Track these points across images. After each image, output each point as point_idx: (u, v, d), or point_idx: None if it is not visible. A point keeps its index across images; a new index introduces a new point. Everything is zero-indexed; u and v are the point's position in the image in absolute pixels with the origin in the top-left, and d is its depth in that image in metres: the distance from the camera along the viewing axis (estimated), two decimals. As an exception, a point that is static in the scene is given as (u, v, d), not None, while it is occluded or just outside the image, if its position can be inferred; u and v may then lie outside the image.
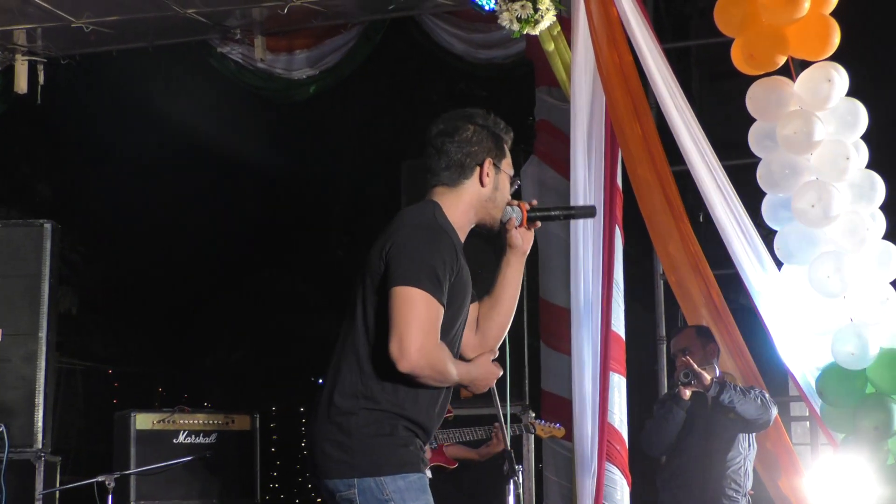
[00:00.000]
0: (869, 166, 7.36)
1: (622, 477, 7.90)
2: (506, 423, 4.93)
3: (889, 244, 7.30)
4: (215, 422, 9.33)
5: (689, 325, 7.74)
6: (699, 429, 7.31)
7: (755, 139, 7.56)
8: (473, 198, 4.47)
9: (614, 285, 7.92)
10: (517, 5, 7.81)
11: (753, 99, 7.48)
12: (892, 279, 7.26)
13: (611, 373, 7.79)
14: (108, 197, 15.41)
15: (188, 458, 9.02)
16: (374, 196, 15.60)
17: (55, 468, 8.90)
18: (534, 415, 8.40)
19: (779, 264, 7.53)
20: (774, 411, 7.22)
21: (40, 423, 8.63)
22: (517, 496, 4.72)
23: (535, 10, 7.81)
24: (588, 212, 5.03)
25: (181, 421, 9.22)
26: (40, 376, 8.67)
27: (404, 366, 4.08)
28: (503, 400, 4.85)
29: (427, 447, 4.78)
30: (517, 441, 8.32)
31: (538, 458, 8.92)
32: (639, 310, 8.91)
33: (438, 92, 14.88)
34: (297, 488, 18.40)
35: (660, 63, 7.65)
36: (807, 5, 7.12)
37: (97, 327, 17.01)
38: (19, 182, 15.67)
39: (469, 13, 9.35)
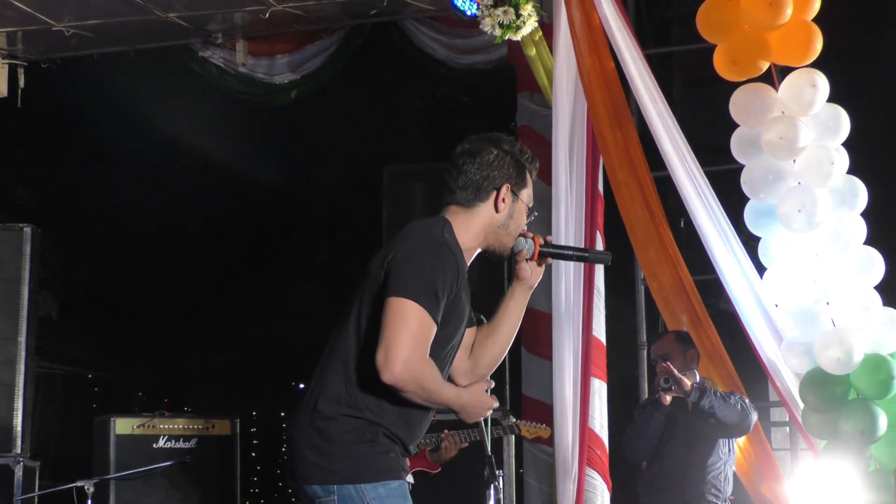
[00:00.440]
0: (850, 172, 7.38)
1: (603, 482, 7.91)
2: (486, 427, 4.92)
3: (871, 249, 7.31)
4: (195, 426, 9.30)
5: (669, 330, 7.76)
6: (679, 434, 7.32)
7: (738, 145, 7.57)
8: (486, 221, 4.43)
9: (595, 291, 7.93)
10: (499, 11, 7.82)
11: (737, 104, 7.49)
12: (874, 284, 7.28)
13: (592, 378, 7.81)
14: (89, 201, 15.37)
15: (168, 463, 9.00)
16: (355, 201, 15.58)
17: (34, 473, 8.88)
18: (514, 420, 8.39)
19: (759, 270, 7.55)
20: (754, 417, 7.23)
21: (19, 428, 8.61)
22: (498, 501, 4.71)
23: (518, 15, 7.82)
24: (603, 258, 4.87)
25: (161, 426, 9.19)
26: (19, 380, 8.65)
27: (387, 377, 4.05)
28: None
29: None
30: (497, 445, 8.31)
31: (519, 462, 8.93)
32: (619, 315, 8.92)
33: (420, 97, 14.88)
34: (278, 493, 18.40)
35: (641, 69, 7.66)
36: (789, 11, 7.14)
37: (77, 331, 16.94)
38: (-1, 186, 15.64)
39: (451, 18, 9.36)
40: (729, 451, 7.37)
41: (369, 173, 11.09)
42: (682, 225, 9.05)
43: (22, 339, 8.69)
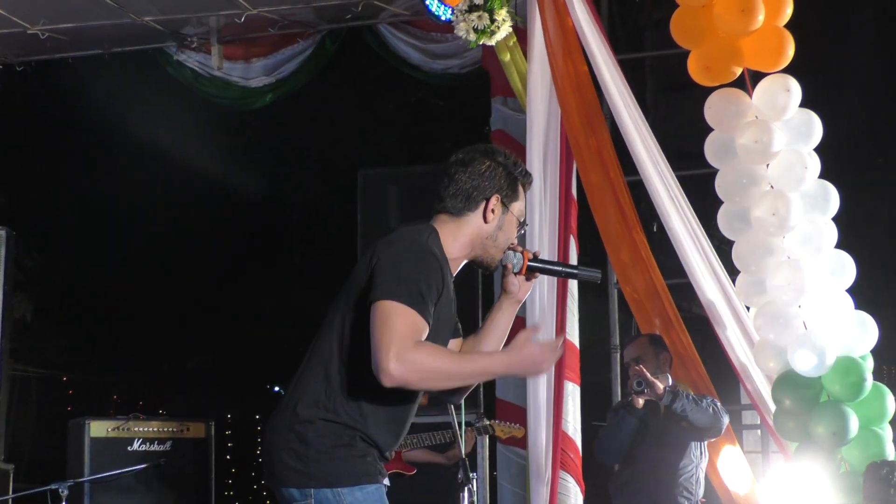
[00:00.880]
0: (821, 176, 7.44)
1: (576, 484, 7.95)
2: (461, 430, 4.94)
3: (843, 253, 7.37)
4: (170, 429, 9.29)
5: (642, 333, 7.79)
6: (652, 437, 7.35)
7: (712, 149, 7.62)
8: (474, 231, 4.40)
9: (568, 294, 7.97)
10: (474, 16, 7.85)
11: (712, 109, 7.54)
12: (846, 287, 7.34)
13: (565, 381, 7.85)
14: (64, 203, 15.34)
15: (142, 466, 8.98)
16: (330, 205, 15.58)
17: (8, 476, 8.87)
18: (487, 420, 8.41)
19: (732, 273, 7.60)
20: (726, 420, 7.27)
21: (-7, 431, 8.60)
22: (472, 503, 4.74)
23: (492, 20, 7.85)
24: (592, 277, 4.72)
25: (136, 428, 9.18)
26: (-7, 383, 8.64)
27: (386, 380, 4.00)
28: (458, 408, 4.86)
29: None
30: (472, 448, 8.34)
31: (493, 465, 8.95)
32: (592, 318, 8.95)
33: (395, 102, 14.91)
34: (253, 496, 18.35)
35: (614, 73, 7.70)
36: (761, 18, 7.19)
37: (52, 334, 16.91)
38: (-27, 189, 15.59)
39: (426, 23, 9.39)
40: (701, 453, 7.40)
41: (344, 177, 11.10)
42: (654, 229, 9.10)
43: (-4, 341, 8.69)
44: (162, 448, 9.20)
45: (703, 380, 7.69)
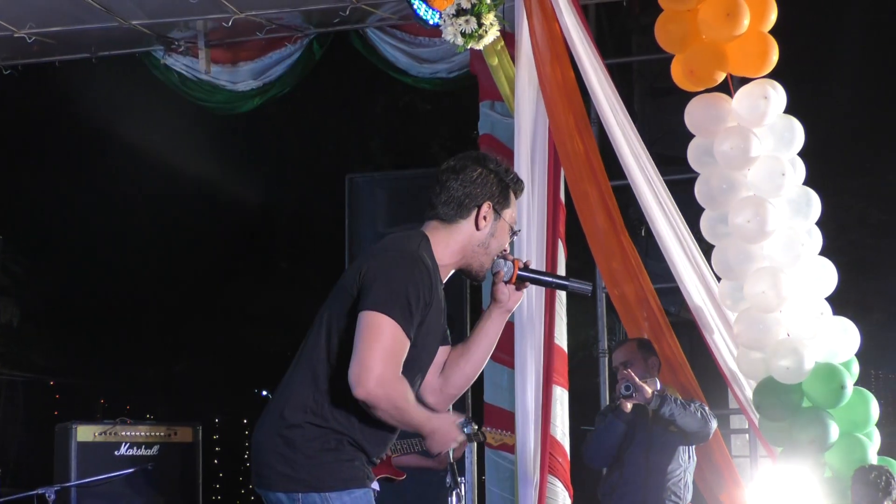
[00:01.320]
0: (806, 183, 7.44)
1: (564, 489, 7.95)
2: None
3: (825, 260, 7.37)
4: (157, 434, 9.29)
5: (630, 338, 7.80)
6: (640, 441, 7.35)
7: (694, 155, 7.63)
8: (466, 238, 4.40)
9: (557, 299, 7.97)
10: (461, 20, 7.84)
11: (692, 115, 7.55)
12: (827, 294, 7.34)
13: (553, 385, 7.85)
14: (51, 208, 15.33)
15: (130, 471, 8.98)
16: (318, 209, 15.59)
17: (-6, 481, 8.85)
18: (477, 427, 8.40)
19: (718, 278, 7.61)
20: (714, 424, 7.27)
21: (-20, 436, 8.58)
22: (459, 508, 4.73)
23: (479, 24, 7.84)
24: (583, 290, 4.68)
25: (123, 433, 9.17)
26: (-20, 388, 8.63)
27: (360, 393, 4.02)
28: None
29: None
30: (461, 453, 8.33)
31: (481, 469, 8.95)
32: (581, 323, 8.96)
33: (383, 106, 14.91)
34: (240, 500, 18.33)
35: (602, 78, 7.70)
36: (746, 23, 7.20)
37: (38, 338, 16.89)
38: (-39, 193, 15.56)
39: (413, 27, 9.38)
40: (689, 457, 7.41)
41: (332, 181, 11.11)
42: (642, 234, 9.11)
43: (-17, 346, 8.67)
44: (149, 452, 9.19)
45: (692, 384, 7.69)
